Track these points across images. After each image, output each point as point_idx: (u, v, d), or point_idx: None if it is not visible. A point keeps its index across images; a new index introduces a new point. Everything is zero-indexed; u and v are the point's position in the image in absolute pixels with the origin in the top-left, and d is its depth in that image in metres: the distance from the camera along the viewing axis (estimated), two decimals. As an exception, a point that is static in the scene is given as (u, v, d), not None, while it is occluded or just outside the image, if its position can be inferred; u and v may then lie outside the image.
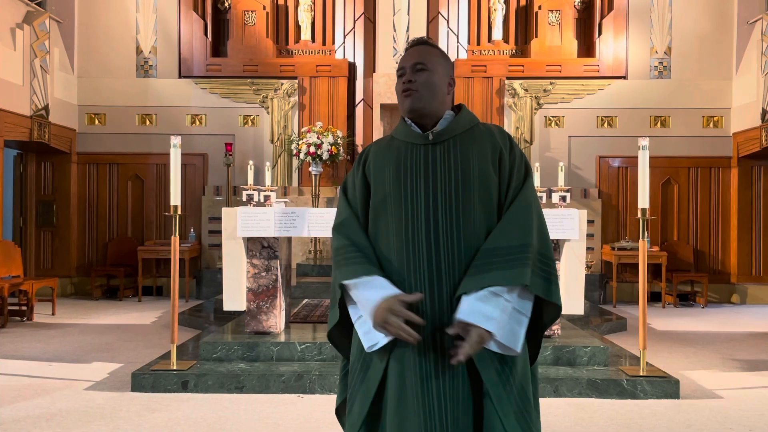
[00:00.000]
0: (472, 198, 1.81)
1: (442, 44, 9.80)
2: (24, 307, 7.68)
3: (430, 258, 1.79)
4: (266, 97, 9.83)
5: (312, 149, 9.19)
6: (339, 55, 10.01)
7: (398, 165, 1.87)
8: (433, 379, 1.75)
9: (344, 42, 10.02)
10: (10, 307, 7.53)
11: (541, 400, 4.42)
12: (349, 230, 1.89)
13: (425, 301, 1.77)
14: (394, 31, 9.73)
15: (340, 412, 2.02)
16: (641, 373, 4.68)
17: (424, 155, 1.86)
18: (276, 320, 5.24)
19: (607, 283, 9.38)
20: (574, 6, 10.07)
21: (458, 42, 9.99)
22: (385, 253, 1.84)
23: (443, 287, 1.78)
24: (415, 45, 1.96)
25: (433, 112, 1.89)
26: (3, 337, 6.63)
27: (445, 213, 1.80)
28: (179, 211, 4.85)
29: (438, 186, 1.82)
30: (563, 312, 5.21)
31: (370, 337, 1.80)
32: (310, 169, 9.46)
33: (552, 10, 9.90)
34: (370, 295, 1.77)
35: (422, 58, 1.90)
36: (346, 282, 1.81)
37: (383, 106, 9.65)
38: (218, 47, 10.23)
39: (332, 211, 4.92)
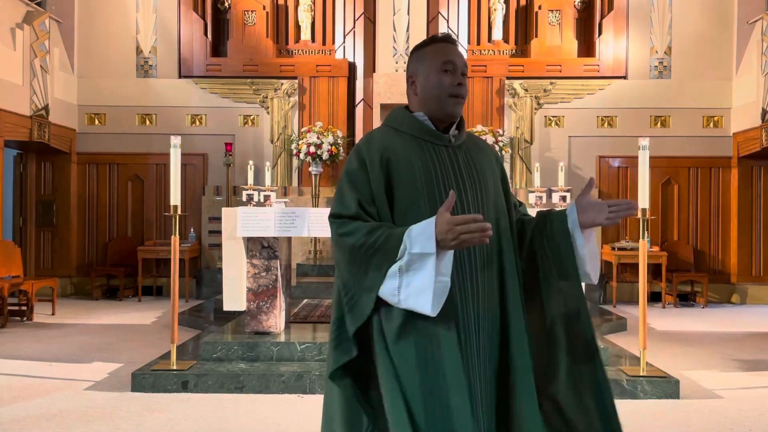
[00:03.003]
0: (491, 201, 1.90)
1: (442, 44, 9.79)
2: (24, 307, 7.68)
3: (469, 255, 1.83)
4: (266, 97, 9.83)
5: (312, 149, 9.19)
6: (339, 55, 10.01)
7: (426, 162, 1.85)
8: (475, 366, 1.81)
9: (344, 42, 10.02)
10: (10, 307, 7.52)
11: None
12: (360, 225, 1.80)
13: (467, 295, 1.82)
14: (394, 31, 9.72)
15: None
16: (641, 373, 4.67)
17: (448, 157, 1.89)
18: (276, 320, 5.24)
19: (607, 283, 9.38)
20: (574, 6, 10.07)
21: (458, 42, 9.99)
22: None
23: (477, 288, 1.84)
24: (452, 43, 1.95)
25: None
26: (3, 337, 6.63)
27: (477, 208, 1.87)
28: (179, 211, 4.85)
29: (467, 188, 1.86)
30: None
31: (423, 299, 1.69)
32: (310, 169, 9.46)
33: (552, 10, 9.90)
34: (418, 229, 1.69)
35: (465, 63, 1.93)
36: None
37: (383, 106, 9.64)
38: (218, 47, 10.23)
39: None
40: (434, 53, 1.89)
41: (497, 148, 9.10)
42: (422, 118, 1.90)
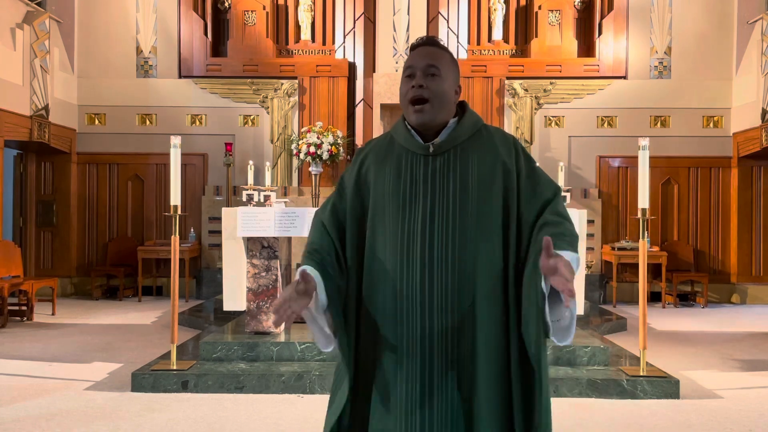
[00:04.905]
0: (468, 208, 1.76)
1: (442, 44, 9.79)
2: (24, 307, 7.68)
3: (423, 269, 1.74)
4: (266, 97, 9.83)
5: (312, 149, 9.19)
6: (339, 55, 10.01)
7: (398, 173, 1.81)
8: (419, 388, 1.75)
9: (344, 42, 10.02)
10: (10, 307, 7.52)
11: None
12: (314, 231, 1.91)
13: (416, 307, 1.74)
14: (394, 31, 9.73)
15: None
16: (641, 373, 4.68)
17: (423, 166, 1.80)
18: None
19: (607, 283, 9.38)
20: (574, 6, 10.07)
21: (458, 42, 9.99)
22: (381, 257, 1.80)
23: (434, 298, 1.74)
24: (425, 45, 1.84)
25: (438, 124, 1.82)
26: (3, 337, 6.63)
27: (442, 225, 1.75)
28: (179, 211, 4.85)
29: (436, 197, 1.77)
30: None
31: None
32: (310, 169, 9.47)
33: (552, 10, 9.89)
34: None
35: (435, 61, 1.79)
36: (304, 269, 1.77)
37: (383, 106, 9.65)
38: (218, 47, 10.23)
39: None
40: (406, 62, 1.87)
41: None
42: (408, 127, 1.87)
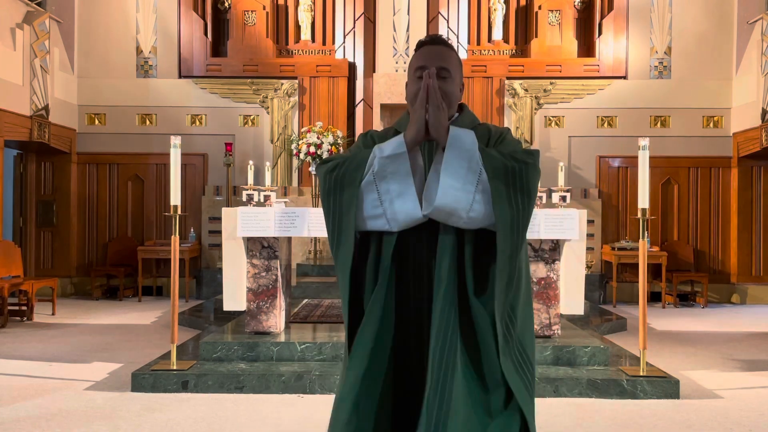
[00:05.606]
0: None
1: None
2: (24, 307, 7.68)
3: (430, 260, 1.82)
4: (266, 97, 9.83)
5: (312, 149, 9.19)
6: (339, 55, 10.01)
7: None
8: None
9: (344, 42, 10.02)
10: (10, 307, 7.52)
11: (541, 400, 4.43)
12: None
13: (424, 286, 1.82)
14: (394, 31, 9.73)
15: None
16: (641, 373, 4.67)
17: (428, 152, 1.89)
18: (276, 320, 5.24)
19: (607, 283, 9.38)
20: (574, 6, 10.07)
21: (458, 42, 9.99)
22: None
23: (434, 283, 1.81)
24: (436, 43, 1.89)
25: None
26: (3, 337, 6.63)
27: None
28: (179, 211, 4.85)
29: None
30: (564, 312, 5.22)
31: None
32: (310, 169, 9.47)
33: (552, 10, 9.89)
34: (387, 142, 1.82)
35: (445, 63, 1.86)
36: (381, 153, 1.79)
37: (383, 106, 9.65)
38: (218, 47, 10.23)
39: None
40: (413, 60, 1.91)
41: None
42: None
